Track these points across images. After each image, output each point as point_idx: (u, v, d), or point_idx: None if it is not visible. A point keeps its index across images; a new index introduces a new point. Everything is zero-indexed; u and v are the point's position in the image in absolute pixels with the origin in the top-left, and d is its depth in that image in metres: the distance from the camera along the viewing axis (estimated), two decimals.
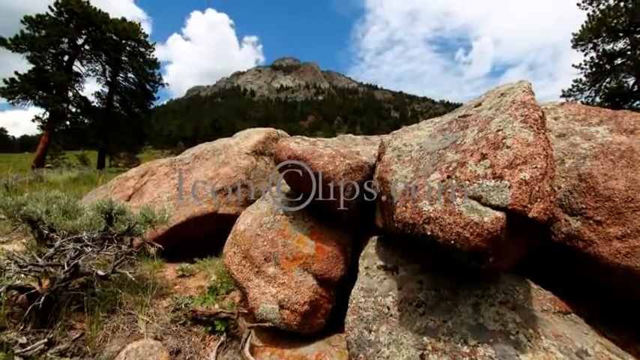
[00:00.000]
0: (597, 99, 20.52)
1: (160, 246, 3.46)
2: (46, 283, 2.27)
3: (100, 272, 2.43)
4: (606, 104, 19.79)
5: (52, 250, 2.38)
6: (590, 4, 19.36)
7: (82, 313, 2.32)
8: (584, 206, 1.72)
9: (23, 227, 3.39)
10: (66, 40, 22.39)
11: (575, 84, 20.75)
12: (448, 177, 1.49)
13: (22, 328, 2.09)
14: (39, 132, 22.82)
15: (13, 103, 20.62)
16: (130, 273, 2.53)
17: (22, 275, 2.25)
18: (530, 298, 1.72)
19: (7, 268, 2.18)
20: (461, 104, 2.70)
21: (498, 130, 1.52)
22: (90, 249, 2.49)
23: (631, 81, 19.42)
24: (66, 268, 2.26)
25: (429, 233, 1.41)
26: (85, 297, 2.37)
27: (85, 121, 25.15)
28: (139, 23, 25.49)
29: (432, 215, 1.41)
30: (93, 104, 25.55)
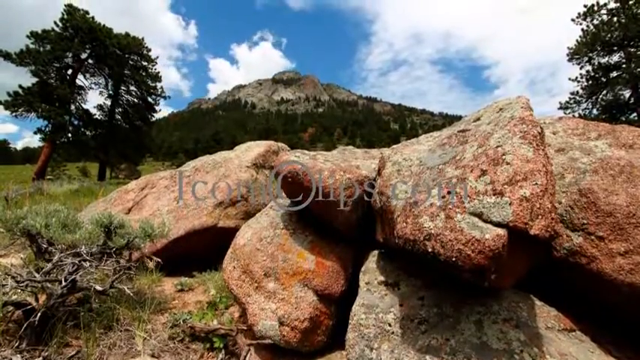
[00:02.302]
0: (594, 111, 20.74)
1: (159, 260, 3.43)
2: (42, 298, 2.24)
3: (98, 287, 2.40)
4: (603, 116, 19.98)
5: (50, 265, 2.36)
6: (585, 19, 19.78)
7: (78, 330, 2.28)
8: (585, 222, 1.71)
9: (22, 241, 3.37)
10: (70, 55, 22.78)
11: (572, 96, 21.00)
12: (448, 193, 1.49)
13: (17, 345, 2.05)
14: (41, 144, 22.96)
15: (16, 115, 20.82)
16: (128, 288, 2.50)
17: (19, 290, 2.22)
18: (533, 315, 1.69)
19: (4, 283, 2.16)
20: (459, 116, 2.71)
21: (498, 146, 1.53)
22: (88, 263, 2.47)
23: (627, 93, 19.67)
24: (63, 284, 2.23)
25: (430, 250, 1.40)
26: (82, 313, 2.34)
27: (87, 133, 25.34)
28: (143, 38, 26.00)
29: (432, 231, 1.41)
30: (95, 117, 25.80)
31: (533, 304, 1.77)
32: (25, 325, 2.05)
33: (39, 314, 2.05)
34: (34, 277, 2.22)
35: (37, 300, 2.21)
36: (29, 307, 2.13)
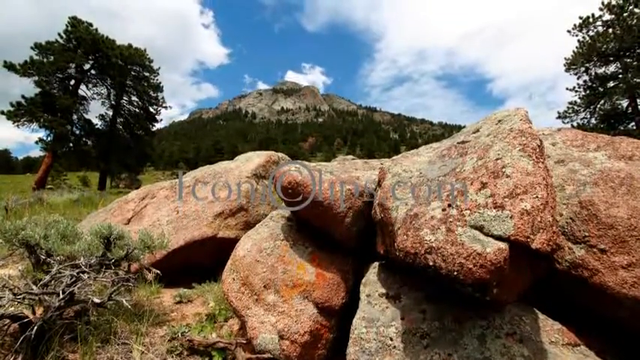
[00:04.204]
0: (592, 120, 20.90)
1: (158, 271, 3.41)
2: (39, 311, 2.22)
3: (96, 300, 2.38)
4: (601, 125, 20.13)
5: (48, 277, 2.34)
6: (580, 30, 20.12)
7: (75, 343, 2.24)
8: (587, 234, 1.70)
9: (20, 252, 3.35)
10: (73, 66, 23.06)
11: (570, 106, 21.18)
12: (449, 205, 1.49)
13: (12, 359, 2.02)
14: (42, 153, 23.03)
15: (18, 125, 20.96)
16: (126, 300, 2.47)
17: (16, 303, 2.20)
18: (537, 329, 1.67)
19: (1, 295, 2.14)
20: (458, 126, 2.72)
21: (497, 159, 1.53)
22: (86, 275, 2.44)
23: (624, 103, 19.85)
24: (61, 296, 2.21)
25: (431, 263, 1.39)
26: (79, 326, 2.31)
27: (88, 142, 25.47)
28: (145, 49, 26.37)
29: (433, 245, 1.40)
30: (96, 126, 25.97)
31: (537, 318, 1.74)
32: (21, 338, 2.02)
33: (35, 327, 2.03)
34: (32, 289, 2.20)
35: (34, 312, 2.18)
36: (26, 320, 2.10)
